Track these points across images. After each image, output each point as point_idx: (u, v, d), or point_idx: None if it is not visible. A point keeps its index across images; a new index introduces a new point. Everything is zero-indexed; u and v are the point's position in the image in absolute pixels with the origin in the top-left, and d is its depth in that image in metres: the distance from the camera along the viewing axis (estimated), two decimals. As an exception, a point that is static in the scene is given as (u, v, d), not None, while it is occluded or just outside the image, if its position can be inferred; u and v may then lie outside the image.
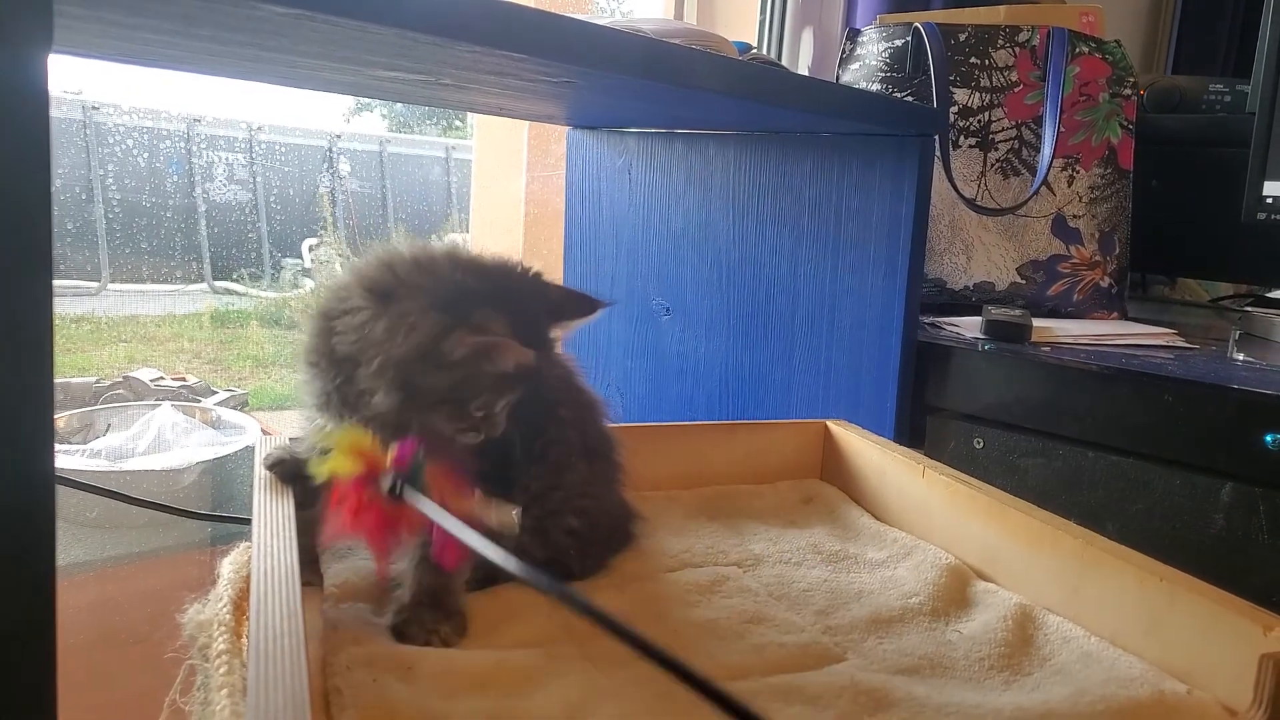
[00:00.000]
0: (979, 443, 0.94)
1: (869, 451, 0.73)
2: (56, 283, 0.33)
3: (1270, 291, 1.40)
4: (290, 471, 0.58)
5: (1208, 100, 1.41)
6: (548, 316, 0.55)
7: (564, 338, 0.57)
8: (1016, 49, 1.15)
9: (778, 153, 0.99)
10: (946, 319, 1.08)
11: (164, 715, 0.53)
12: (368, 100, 1.78)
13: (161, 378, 1.35)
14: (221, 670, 0.43)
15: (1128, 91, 1.18)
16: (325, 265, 1.63)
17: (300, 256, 1.68)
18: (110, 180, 1.41)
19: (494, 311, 0.50)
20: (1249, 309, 1.21)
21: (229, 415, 1.31)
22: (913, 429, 0.94)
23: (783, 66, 1.03)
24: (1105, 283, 1.17)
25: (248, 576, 0.50)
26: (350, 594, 0.51)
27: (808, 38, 1.57)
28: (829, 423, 0.78)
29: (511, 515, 0.47)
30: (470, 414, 0.50)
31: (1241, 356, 0.97)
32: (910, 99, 1.14)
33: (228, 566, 0.53)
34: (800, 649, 0.50)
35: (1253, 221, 1.09)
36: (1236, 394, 0.78)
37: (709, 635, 0.51)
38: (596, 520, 0.57)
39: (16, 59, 0.31)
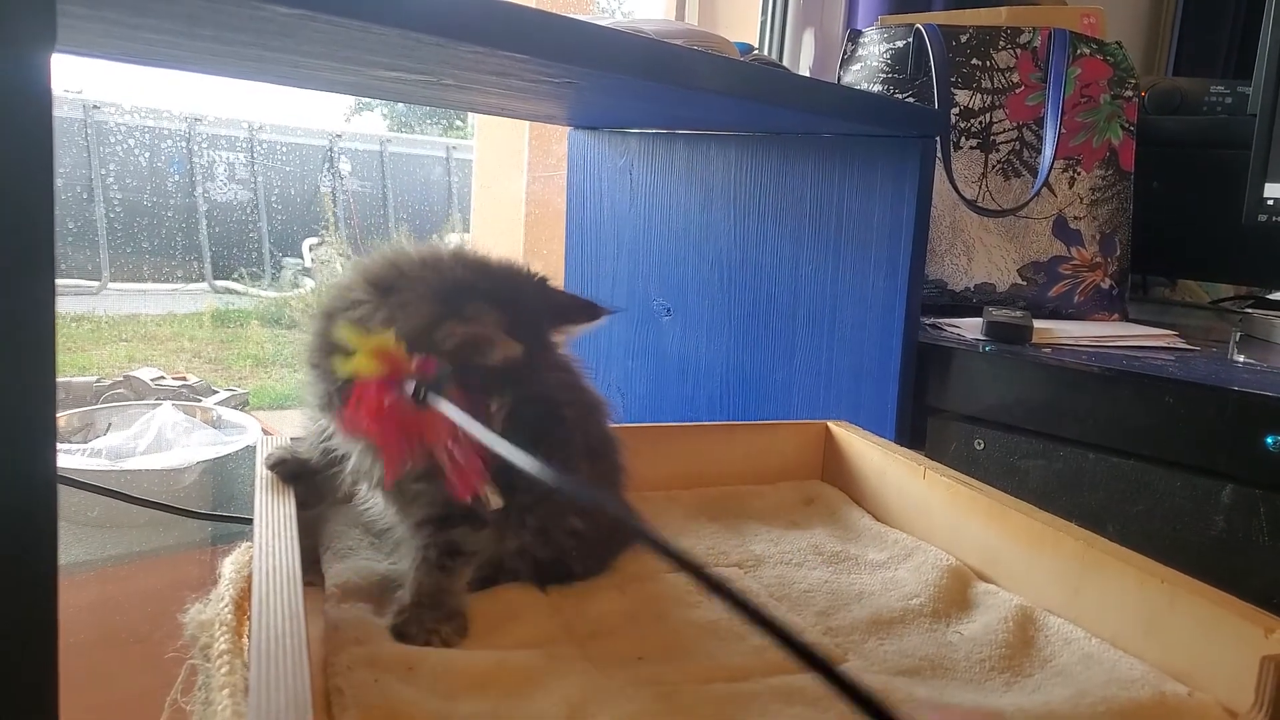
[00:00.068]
0: (980, 444, 0.94)
1: (870, 452, 0.73)
2: (57, 282, 0.33)
3: (1271, 293, 1.40)
4: (292, 471, 0.58)
5: (1209, 102, 1.41)
6: (550, 319, 0.55)
7: (567, 341, 0.57)
8: (1018, 50, 1.15)
9: (779, 153, 0.99)
10: (947, 320, 1.08)
11: (165, 715, 0.53)
12: (368, 100, 1.78)
13: (162, 377, 1.35)
14: (223, 670, 0.43)
15: (1129, 93, 1.18)
16: (326, 265, 1.63)
17: (301, 256, 1.68)
18: (111, 179, 1.41)
19: (488, 306, 0.50)
20: (1250, 311, 1.21)
21: (230, 415, 1.31)
22: (913, 430, 0.94)
23: (784, 67, 1.03)
24: (1106, 284, 1.17)
25: (249, 576, 0.50)
26: (352, 594, 0.51)
27: (809, 39, 1.57)
28: (830, 424, 0.78)
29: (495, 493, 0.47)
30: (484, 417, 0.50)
31: (1242, 358, 0.97)
32: (911, 100, 1.14)
33: (229, 566, 0.53)
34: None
35: (1254, 223, 1.09)
36: (1237, 396, 0.78)
37: (710, 635, 0.51)
38: (599, 521, 0.57)
39: (19, 58, 0.31)
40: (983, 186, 1.15)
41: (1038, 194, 1.12)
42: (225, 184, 1.58)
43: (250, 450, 1.20)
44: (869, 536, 0.67)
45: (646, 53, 0.63)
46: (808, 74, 1.55)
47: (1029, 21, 1.17)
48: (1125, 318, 1.19)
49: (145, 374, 1.33)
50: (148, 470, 1.14)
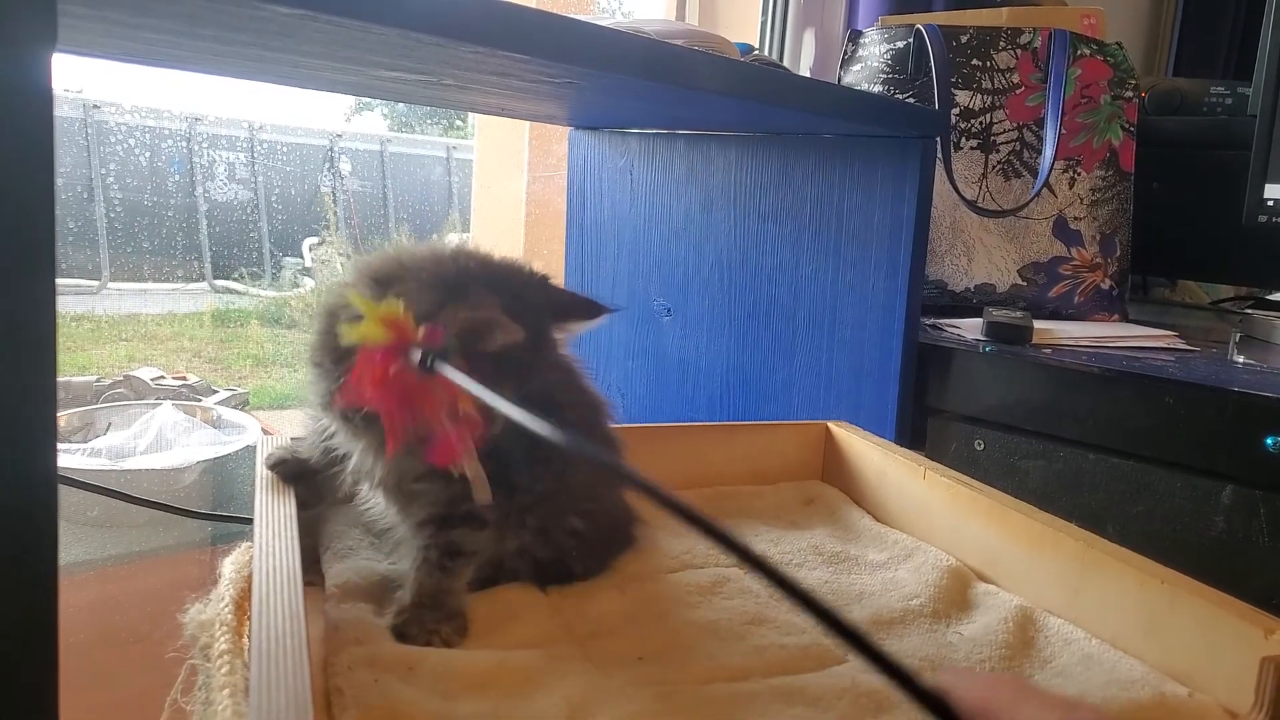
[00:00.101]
0: (980, 444, 0.94)
1: (870, 453, 0.73)
2: (57, 281, 0.33)
3: (1271, 294, 1.40)
4: (292, 471, 0.58)
5: (1209, 103, 1.41)
6: (551, 316, 0.55)
7: (567, 340, 0.57)
8: (1018, 51, 1.15)
9: (779, 154, 0.99)
10: (947, 320, 1.08)
11: (165, 715, 0.53)
12: (369, 100, 1.78)
13: (162, 376, 1.35)
14: (223, 670, 0.43)
15: (1129, 94, 1.18)
16: (326, 264, 1.63)
17: (301, 256, 1.68)
18: (111, 179, 1.41)
19: (491, 293, 0.50)
20: (1250, 311, 1.21)
21: (230, 414, 1.31)
22: (914, 430, 0.94)
23: (784, 68, 1.03)
24: (1106, 285, 1.17)
25: (249, 576, 0.50)
26: (352, 594, 0.51)
27: (809, 39, 1.57)
28: (830, 424, 0.78)
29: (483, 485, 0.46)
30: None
31: (1242, 359, 0.97)
32: (912, 101, 1.14)
33: (229, 566, 0.53)
34: (801, 650, 0.50)
35: (1254, 224, 1.09)
36: (1237, 396, 0.78)
37: (710, 636, 0.51)
38: (599, 521, 0.57)
39: (20, 58, 0.31)
40: (983, 187, 1.15)
41: (1038, 194, 1.12)
42: (225, 184, 1.58)
43: (250, 450, 1.20)
44: (869, 537, 0.67)
45: (647, 53, 0.63)
46: (808, 74, 1.55)
47: (1029, 22, 1.17)
48: (1125, 318, 1.19)
49: (145, 374, 1.33)
50: (148, 470, 1.14)
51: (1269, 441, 0.76)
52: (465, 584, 0.51)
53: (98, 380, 1.29)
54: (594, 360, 1.18)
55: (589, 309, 0.56)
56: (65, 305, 1.37)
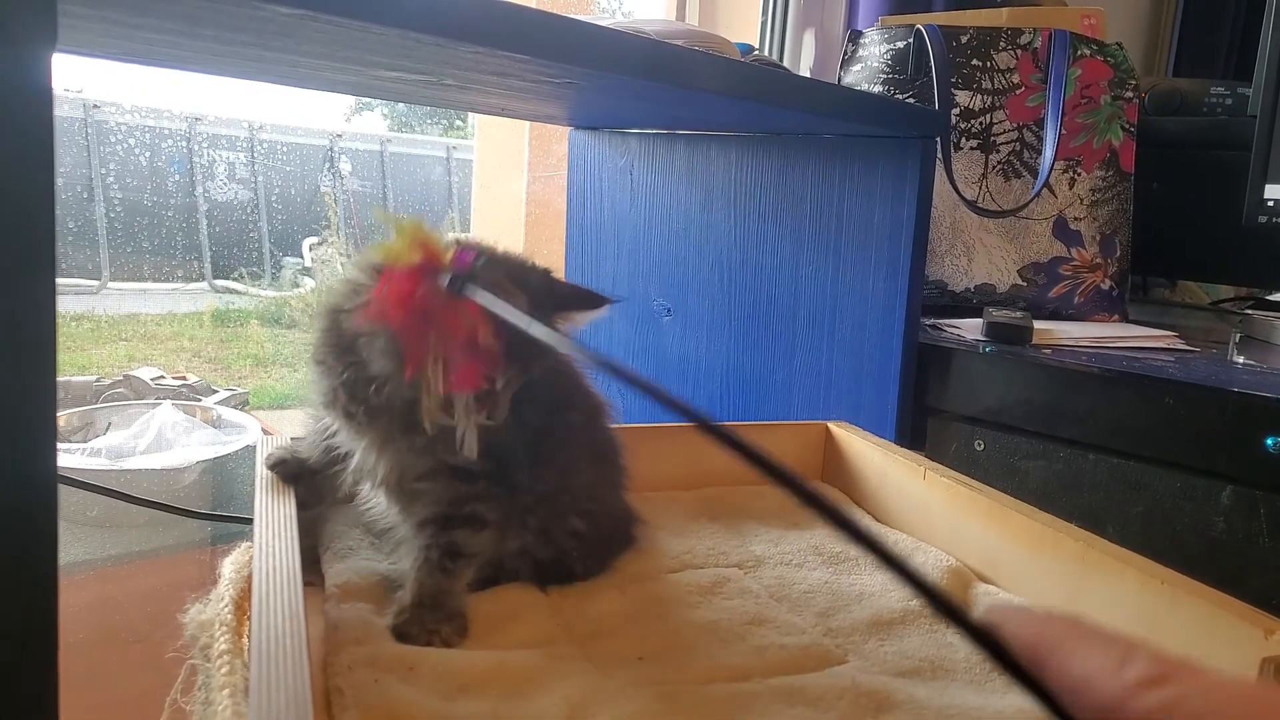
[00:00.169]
0: (980, 445, 0.94)
1: (870, 453, 0.73)
2: (57, 281, 0.33)
3: (1271, 294, 1.40)
4: (292, 471, 0.58)
5: (1209, 103, 1.41)
6: (553, 305, 0.55)
7: (570, 333, 0.57)
8: (1018, 51, 1.15)
9: (779, 154, 0.99)
10: (947, 321, 1.08)
11: (165, 715, 0.53)
12: (369, 100, 1.78)
13: (162, 376, 1.35)
14: (223, 670, 0.43)
15: (1129, 94, 1.18)
16: (326, 264, 1.63)
17: (301, 255, 1.68)
18: (111, 179, 1.41)
19: (497, 266, 0.50)
20: (1249, 312, 1.21)
21: (229, 414, 1.31)
22: (914, 431, 0.94)
23: (784, 68, 1.03)
24: (1106, 285, 1.17)
25: (249, 576, 0.50)
26: (352, 594, 0.51)
27: (809, 39, 1.57)
28: (830, 424, 0.78)
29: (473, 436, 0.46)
30: (488, 385, 0.48)
31: (1242, 359, 0.97)
32: (912, 101, 1.14)
33: (229, 566, 0.53)
34: (801, 650, 0.50)
35: (1254, 224, 1.09)
36: (1237, 397, 0.78)
37: (710, 636, 0.51)
38: (600, 522, 0.57)
39: (20, 58, 0.31)
40: (983, 187, 1.15)
41: (1038, 195, 1.12)
42: (225, 184, 1.58)
43: (250, 450, 1.20)
44: (869, 537, 0.67)
45: (647, 53, 0.63)
46: (808, 74, 1.55)
47: (1029, 22, 1.17)
48: (1125, 319, 1.19)
49: (145, 373, 1.33)
50: (148, 470, 1.14)
51: (1269, 442, 0.76)
52: (465, 584, 0.51)
53: (98, 380, 1.29)
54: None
55: (591, 300, 0.56)
56: (65, 305, 1.37)
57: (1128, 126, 1.18)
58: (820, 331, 0.97)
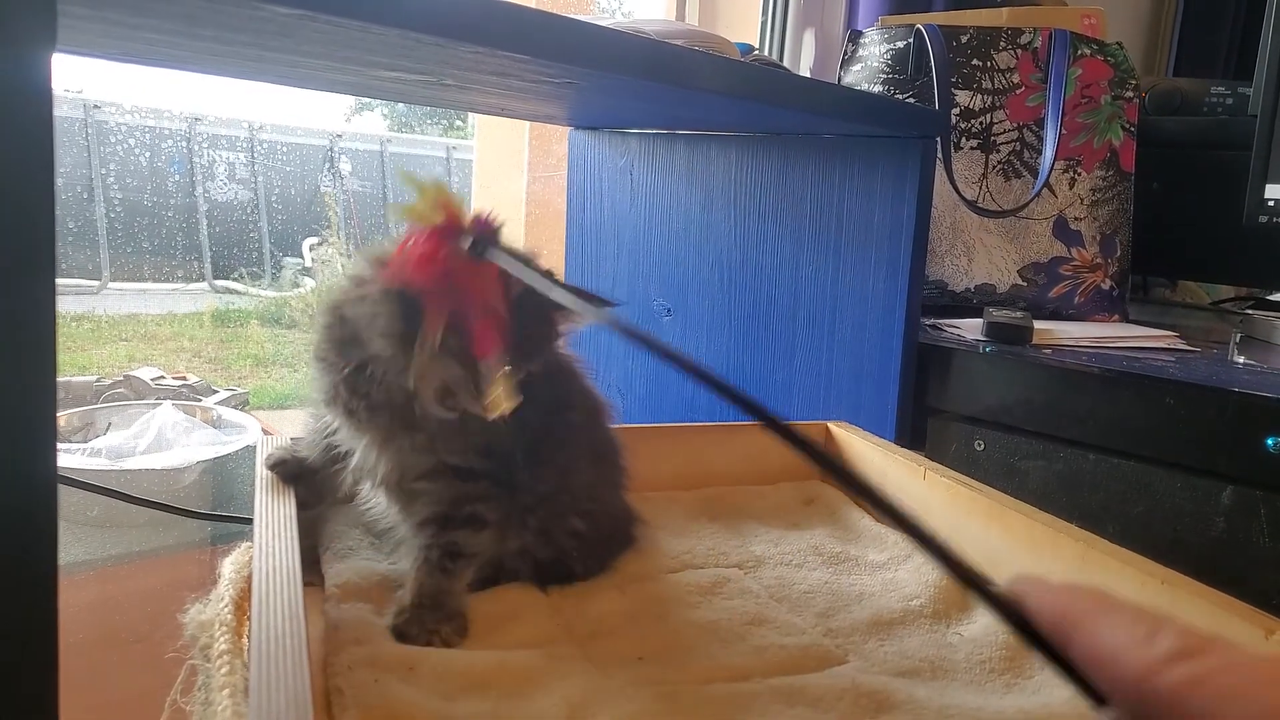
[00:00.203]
0: (980, 445, 0.94)
1: (870, 453, 0.73)
2: (57, 281, 0.33)
3: (1271, 294, 1.40)
4: (292, 471, 0.58)
5: (1209, 103, 1.41)
6: (556, 305, 0.55)
7: (571, 331, 0.57)
8: (1018, 51, 1.15)
9: (779, 154, 0.99)
10: (948, 321, 1.08)
11: (165, 715, 0.53)
12: (369, 100, 1.78)
13: (162, 376, 1.35)
14: (223, 670, 0.43)
15: (1129, 94, 1.18)
16: (326, 264, 1.63)
17: (301, 256, 1.68)
18: (111, 179, 1.41)
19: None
20: (1250, 312, 1.21)
21: (230, 414, 1.31)
22: (914, 431, 0.94)
23: (784, 68, 1.03)
24: (1106, 285, 1.17)
25: (249, 576, 0.50)
26: (352, 594, 0.51)
27: (809, 39, 1.57)
28: (830, 424, 0.78)
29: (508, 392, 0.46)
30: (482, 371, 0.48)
31: (1242, 359, 0.97)
32: (912, 101, 1.14)
33: (229, 566, 0.53)
34: (801, 651, 0.50)
35: (1254, 224, 1.09)
36: (1237, 397, 0.78)
37: (710, 636, 0.51)
38: (600, 523, 0.57)
39: (20, 58, 0.31)
40: (983, 187, 1.15)
41: (1038, 195, 1.12)
42: (225, 184, 1.58)
43: (250, 450, 1.20)
44: (869, 537, 0.67)
45: (647, 53, 0.63)
46: (808, 74, 1.55)
47: (1029, 22, 1.17)
48: (1125, 319, 1.19)
49: (145, 373, 1.33)
50: (148, 470, 1.13)
51: (1269, 442, 0.76)
52: (465, 584, 0.51)
53: (98, 380, 1.29)
54: (594, 360, 1.18)
55: (593, 302, 0.56)
56: (65, 305, 1.37)
57: (1128, 126, 1.18)
58: (820, 331, 0.97)
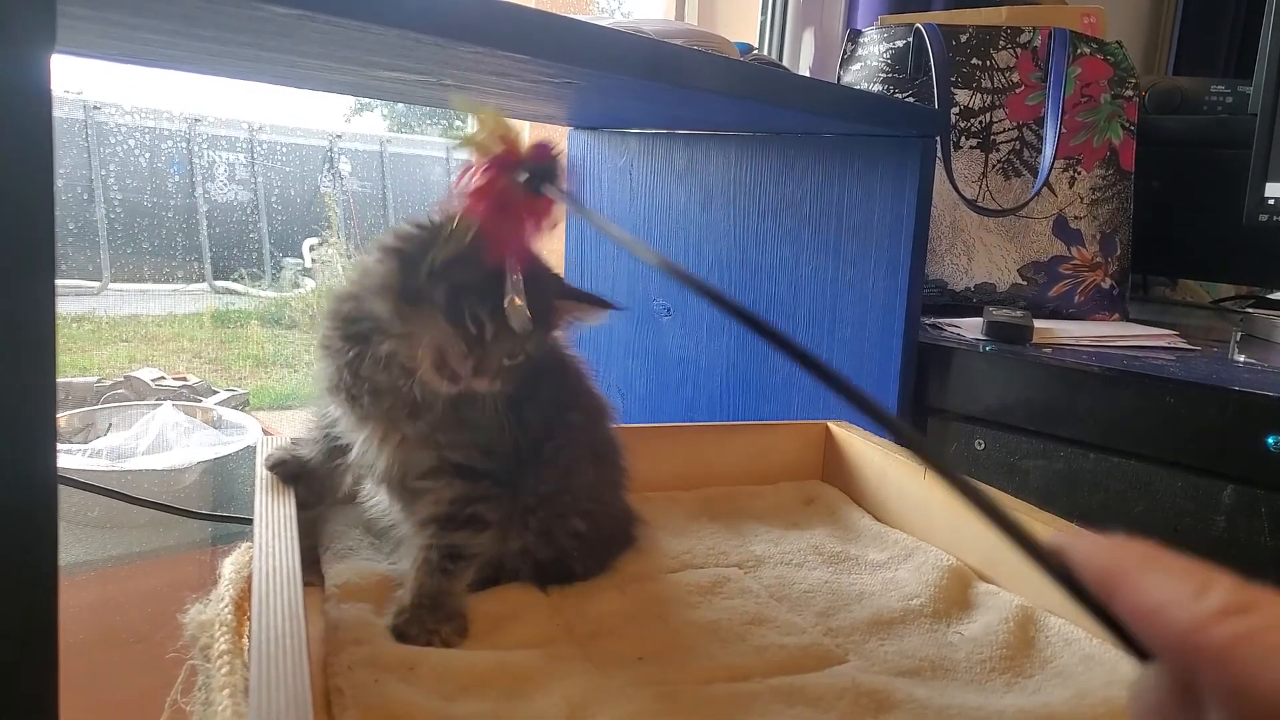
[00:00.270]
0: (980, 444, 0.94)
1: (870, 453, 0.73)
2: (58, 282, 0.33)
3: (1272, 293, 1.40)
4: (291, 472, 0.58)
5: (1209, 101, 1.41)
6: (557, 294, 0.55)
7: (569, 330, 0.57)
8: (1018, 50, 1.15)
9: (779, 153, 0.99)
10: (948, 320, 1.08)
11: (165, 715, 0.53)
12: (368, 100, 1.78)
13: (162, 377, 1.35)
14: (223, 670, 0.43)
15: (1129, 92, 1.18)
16: (326, 265, 1.63)
17: (301, 256, 1.68)
18: (111, 180, 1.41)
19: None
20: (1250, 310, 1.21)
21: (230, 415, 1.31)
22: (914, 430, 0.94)
23: (784, 67, 1.03)
24: (1106, 284, 1.17)
25: (249, 577, 0.50)
26: (352, 594, 0.51)
27: (809, 38, 1.57)
28: (830, 424, 0.78)
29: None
30: (475, 334, 0.48)
31: (1243, 358, 0.97)
32: (911, 100, 1.14)
33: (229, 566, 0.53)
34: (801, 650, 0.50)
35: (1254, 223, 1.09)
36: (1238, 396, 0.78)
37: (710, 636, 0.51)
38: (600, 523, 0.57)
39: (19, 59, 0.31)
40: (983, 186, 1.15)
41: (1038, 194, 1.12)
42: (225, 184, 1.58)
43: (250, 450, 1.20)
44: (869, 537, 0.67)
45: (647, 53, 0.63)
46: (808, 74, 1.54)
47: (1029, 21, 1.17)
48: (1126, 317, 1.19)
49: (146, 374, 1.33)
50: (148, 470, 1.13)
51: (1270, 441, 0.76)
52: (466, 585, 0.51)
53: (98, 381, 1.29)
54: (594, 360, 1.18)
55: (594, 300, 0.56)
56: (66, 306, 1.37)
57: (1128, 125, 1.18)
58: (820, 331, 0.97)
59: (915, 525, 0.67)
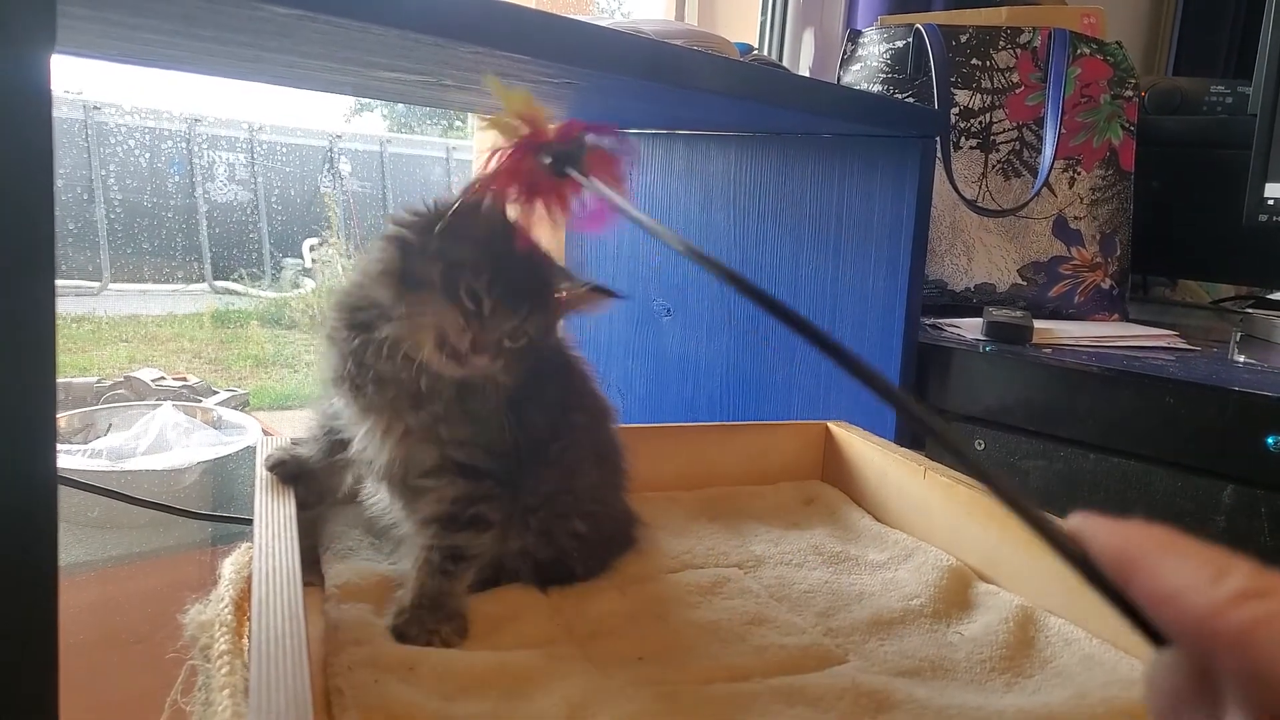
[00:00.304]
0: (980, 444, 0.94)
1: (870, 453, 0.73)
2: (58, 282, 0.33)
3: (1271, 293, 1.40)
4: (291, 472, 0.58)
5: (1209, 102, 1.41)
6: (564, 278, 0.55)
7: (572, 318, 0.57)
8: (1018, 50, 1.15)
9: (779, 154, 0.99)
10: (947, 320, 1.08)
11: (165, 716, 0.53)
12: (368, 100, 1.78)
13: (162, 377, 1.35)
14: (223, 671, 0.43)
15: (1129, 93, 1.18)
16: (326, 265, 1.63)
17: (301, 256, 1.68)
18: (111, 180, 1.41)
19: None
20: (1250, 311, 1.21)
21: (230, 415, 1.31)
22: (913, 430, 0.94)
23: (784, 67, 1.03)
24: (1106, 284, 1.17)
25: (249, 577, 0.50)
26: (352, 594, 0.51)
27: (809, 39, 1.57)
28: (830, 424, 0.78)
29: None
30: (473, 309, 0.49)
31: (1242, 358, 0.97)
32: (911, 100, 1.14)
33: (229, 567, 0.53)
34: (801, 650, 0.50)
35: (1254, 223, 1.09)
36: (1238, 396, 0.78)
37: (710, 636, 0.51)
38: (601, 525, 0.57)
39: (19, 59, 0.31)
40: (983, 186, 1.15)
41: (1038, 194, 1.12)
42: (225, 184, 1.58)
43: (250, 451, 1.20)
44: (869, 537, 0.67)
45: (646, 53, 0.63)
46: (807, 74, 1.55)
47: (1029, 21, 1.17)
48: (1125, 318, 1.19)
49: (146, 374, 1.33)
50: (148, 471, 1.13)
51: (1270, 441, 0.76)
52: (466, 586, 0.51)
53: (98, 381, 1.29)
54: (594, 360, 1.18)
55: (596, 288, 0.56)
56: (66, 307, 1.37)
57: (1127, 125, 1.18)
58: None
59: (915, 525, 0.67)
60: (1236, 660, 0.19)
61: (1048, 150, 1.13)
